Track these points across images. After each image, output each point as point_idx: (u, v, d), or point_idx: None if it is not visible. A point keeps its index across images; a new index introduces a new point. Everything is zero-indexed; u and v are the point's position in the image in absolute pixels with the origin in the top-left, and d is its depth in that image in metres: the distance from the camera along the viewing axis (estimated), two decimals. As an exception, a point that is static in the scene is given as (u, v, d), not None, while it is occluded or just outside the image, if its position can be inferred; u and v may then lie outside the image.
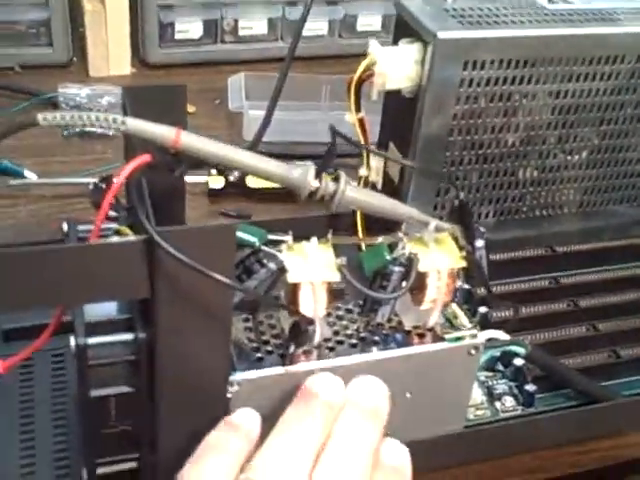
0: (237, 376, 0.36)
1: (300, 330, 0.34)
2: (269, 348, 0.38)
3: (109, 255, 0.30)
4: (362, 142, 0.50)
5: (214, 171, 0.64)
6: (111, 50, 0.80)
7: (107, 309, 0.35)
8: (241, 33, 0.85)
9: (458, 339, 0.39)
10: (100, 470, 0.38)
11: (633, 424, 0.46)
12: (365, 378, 0.35)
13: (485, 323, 0.48)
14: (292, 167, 0.35)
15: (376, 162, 0.51)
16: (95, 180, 0.39)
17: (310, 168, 0.35)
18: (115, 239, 0.31)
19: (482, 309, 0.48)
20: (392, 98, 0.49)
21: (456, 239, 0.38)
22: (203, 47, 0.85)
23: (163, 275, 0.31)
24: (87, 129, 0.72)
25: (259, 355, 0.37)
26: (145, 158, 0.33)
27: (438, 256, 0.37)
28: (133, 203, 0.32)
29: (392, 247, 0.38)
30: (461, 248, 0.37)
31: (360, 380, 0.35)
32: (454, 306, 0.49)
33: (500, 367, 0.47)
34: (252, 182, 0.64)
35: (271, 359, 0.38)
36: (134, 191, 0.32)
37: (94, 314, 0.34)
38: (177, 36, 0.83)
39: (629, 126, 0.51)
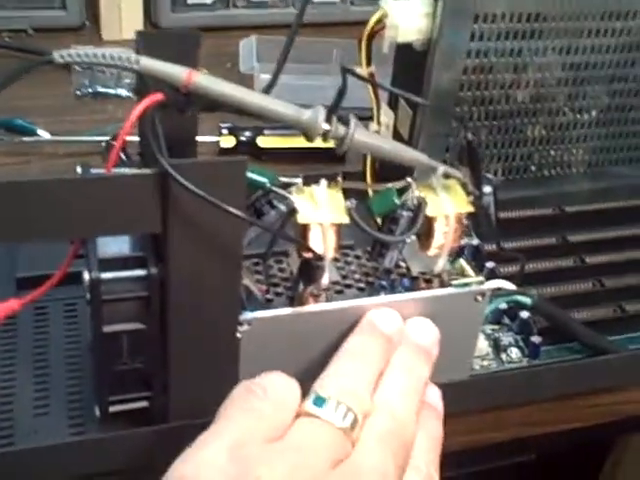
0: (247, 315, 0.36)
1: (309, 267, 0.35)
2: (279, 290, 0.39)
3: (122, 187, 0.31)
4: (372, 95, 0.50)
5: (225, 131, 0.64)
6: (124, 14, 0.81)
7: (121, 247, 0.36)
8: (252, -1, 0.85)
9: (465, 285, 0.39)
10: (112, 408, 0.39)
11: (637, 378, 0.46)
12: (421, 319, 0.37)
13: (492, 277, 0.48)
14: (303, 110, 0.36)
15: (386, 118, 0.52)
16: (108, 138, 0.40)
17: (320, 110, 0.36)
18: (128, 171, 0.32)
19: (489, 264, 0.49)
20: (403, 52, 0.50)
21: (464, 185, 0.38)
22: (215, 12, 0.85)
23: (175, 209, 0.32)
24: (100, 90, 0.72)
25: (268, 297, 0.38)
26: (157, 96, 0.34)
27: (446, 201, 0.37)
28: (146, 138, 0.32)
29: (401, 192, 0.38)
30: (469, 194, 0.38)
31: (416, 321, 0.37)
32: (462, 261, 0.50)
33: (507, 320, 0.47)
34: (263, 142, 0.65)
35: (280, 301, 0.38)
36: (147, 126, 0.32)
37: (108, 251, 0.35)
38: (190, 1, 0.83)
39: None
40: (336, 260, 0.41)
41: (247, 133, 0.64)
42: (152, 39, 0.39)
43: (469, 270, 0.49)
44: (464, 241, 0.46)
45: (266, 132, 0.64)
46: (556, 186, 0.54)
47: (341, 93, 0.35)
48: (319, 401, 0.31)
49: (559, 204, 0.54)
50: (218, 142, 0.64)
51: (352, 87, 0.51)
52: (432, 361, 0.36)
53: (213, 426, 0.31)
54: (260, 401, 0.31)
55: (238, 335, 0.37)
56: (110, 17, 0.81)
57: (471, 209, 0.38)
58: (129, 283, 0.35)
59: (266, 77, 0.74)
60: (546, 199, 0.54)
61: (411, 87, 0.49)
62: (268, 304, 0.38)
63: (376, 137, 0.37)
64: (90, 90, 0.72)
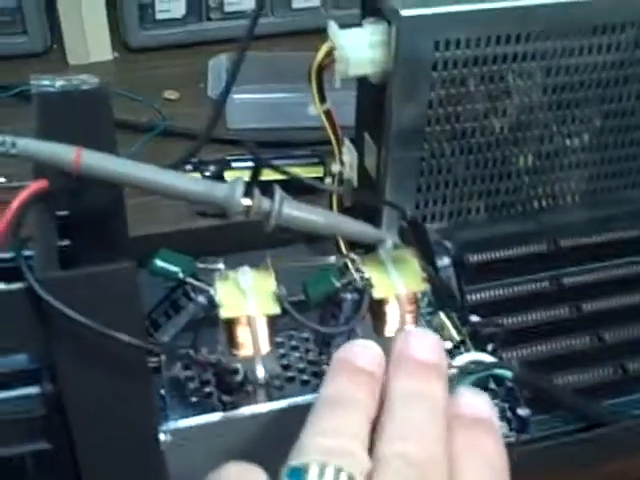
0: (169, 425, 0.31)
1: (224, 379, 0.30)
2: (208, 389, 0.33)
3: (-12, 307, 0.26)
4: (331, 135, 0.45)
5: (189, 167, 0.59)
6: (89, 36, 0.76)
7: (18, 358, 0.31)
8: (227, 9, 0.79)
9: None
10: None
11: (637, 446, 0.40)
12: (415, 329, 0.29)
13: (475, 334, 0.43)
14: (217, 184, 0.31)
15: (349, 157, 0.46)
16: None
17: (238, 184, 0.30)
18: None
19: (474, 318, 0.43)
20: (363, 85, 0.44)
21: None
22: (188, 27, 0.80)
23: (55, 327, 0.26)
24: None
25: (194, 399, 0.33)
26: (39, 185, 0.29)
27: (396, 279, 0.32)
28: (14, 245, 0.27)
29: (345, 270, 0.33)
30: (423, 268, 0.32)
31: (409, 332, 0.28)
32: (442, 315, 0.44)
33: (493, 386, 0.42)
34: (230, 176, 0.59)
35: (211, 401, 0.33)
36: (14, 231, 0.27)
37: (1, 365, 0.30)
38: (158, 16, 0.78)
39: (635, 103, 0.45)
40: (280, 345, 0.35)
41: (212, 168, 0.59)
42: (51, 101, 0.34)
43: (450, 328, 0.43)
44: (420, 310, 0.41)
45: (233, 165, 0.59)
46: (549, 219, 0.48)
47: (257, 165, 0.30)
48: (296, 474, 0.23)
49: (554, 238, 0.48)
50: (182, 179, 0.59)
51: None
52: (444, 374, 0.27)
53: None
54: None
55: (162, 447, 0.32)
56: (74, 40, 0.76)
57: (425, 287, 0.32)
58: (24, 401, 0.30)
59: (239, 98, 0.68)
60: (538, 234, 0.48)
61: (374, 124, 0.44)
62: (198, 406, 0.33)
63: (309, 210, 0.31)
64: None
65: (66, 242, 0.35)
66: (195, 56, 0.79)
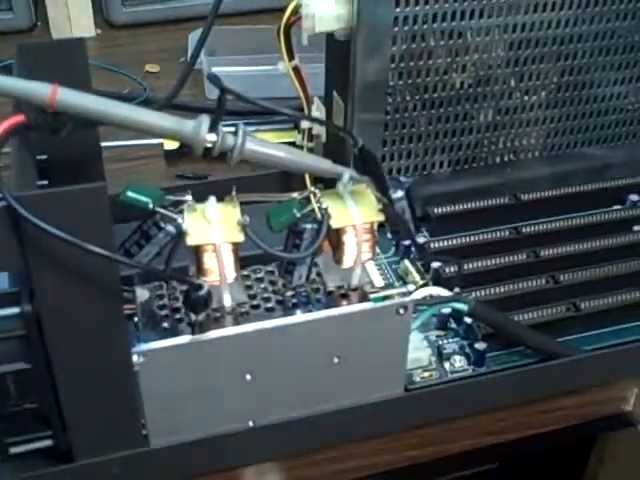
0: (141, 347, 0.34)
1: (190, 297, 0.32)
2: (179, 316, 0.36)
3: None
4: (300, 92, 0.47)
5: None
6: (72, 12, 0.77)
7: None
8: (208, -14, 0.81)
9: (386, 298, 0.36)
10: (13, 450, 0.36)
11: (591, 381, 0.42)
12: None
13: (438, 279, 0.45)
14: (184, 121, 0.33)
15: (318, 113, 0.48)
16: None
17: (204, 120, 0.33)
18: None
19: (435, 264, 0.46)
20: (330, 42, 0.46)
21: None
22: (170, 3, 0.81)
23: (32, 243, 0.29)
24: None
25: (165, 325, 0.35)
26: (17, 119, 0.31)
27: (353, 211, 0.34)
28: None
29: (307, 202, 0.35)
30: (379, 200, 0.34)
31: None
32: (407, 262, 0.46)
33: (453, 324, 0.44)
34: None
35: (181, 327, 0.35)
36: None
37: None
38: (140, -7, 0.80)
39: (590, 60, 0.47)
40: (246, 277, 0.38)
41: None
42: (29, 52, 0.36)
43: (414, 273, 0.46)
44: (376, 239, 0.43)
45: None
46: (510, 173, 0.51)
47: (221, 102, 0.32)
48: None
49: (514, 192, 0.50)
50: (161, 144, 0.61)
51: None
52: None
53: None
54: None
55: (135, 368, 0.34)
56: (58, 16, 0.77)
57: (381, 218, 0.34)
58: (4, 322, 0.32)
59: (217, 70, 0.70)
60: (500, 188, 0.50)
61: (340, 80, 0.46)
62: (169, 332, 0.35)
63: (270, 146, 0.33)
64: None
65: (44, 182, 0.37)
66: (177, 32, 0.80)
